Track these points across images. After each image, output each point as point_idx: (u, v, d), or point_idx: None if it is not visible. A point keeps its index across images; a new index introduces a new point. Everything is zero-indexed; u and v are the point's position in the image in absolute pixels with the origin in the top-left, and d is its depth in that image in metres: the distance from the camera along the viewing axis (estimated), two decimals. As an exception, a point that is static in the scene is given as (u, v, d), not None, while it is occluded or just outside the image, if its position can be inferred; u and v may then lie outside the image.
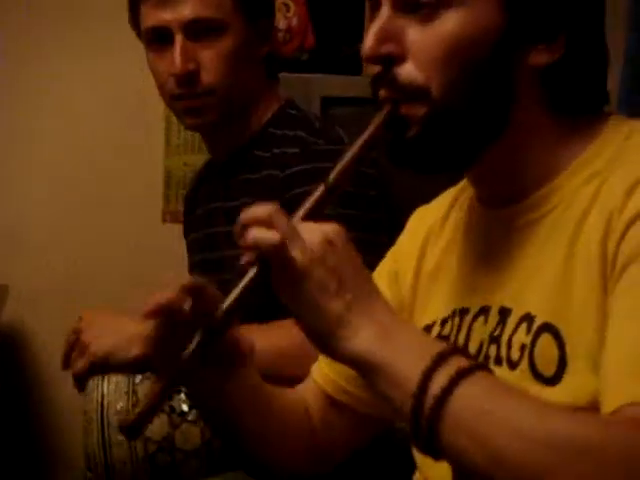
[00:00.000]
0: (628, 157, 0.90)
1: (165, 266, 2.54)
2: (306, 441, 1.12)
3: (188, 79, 1.52)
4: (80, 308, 1.55)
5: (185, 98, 1.54)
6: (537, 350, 0.89)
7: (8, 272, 2.55)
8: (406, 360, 0.80)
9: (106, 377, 1.41)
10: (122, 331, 1.39)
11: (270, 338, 1.37)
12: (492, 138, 0.94)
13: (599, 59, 0.97)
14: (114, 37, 2.55)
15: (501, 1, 0.91)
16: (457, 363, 0.78)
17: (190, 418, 1.40)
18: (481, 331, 0.96)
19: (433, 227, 1.12)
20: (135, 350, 1.38)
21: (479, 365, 0.80)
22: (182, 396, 1.41)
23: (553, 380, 0.87)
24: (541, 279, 0.91)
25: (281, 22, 2.28)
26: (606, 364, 0.80)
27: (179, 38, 1.52)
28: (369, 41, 0.92)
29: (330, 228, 0.84)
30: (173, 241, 2.52)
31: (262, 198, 1.44)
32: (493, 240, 1.00)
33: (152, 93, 1.60)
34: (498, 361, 0.93)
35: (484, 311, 0.98)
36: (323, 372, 1.14)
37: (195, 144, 2.58)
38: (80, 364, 1.42)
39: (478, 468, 0.76)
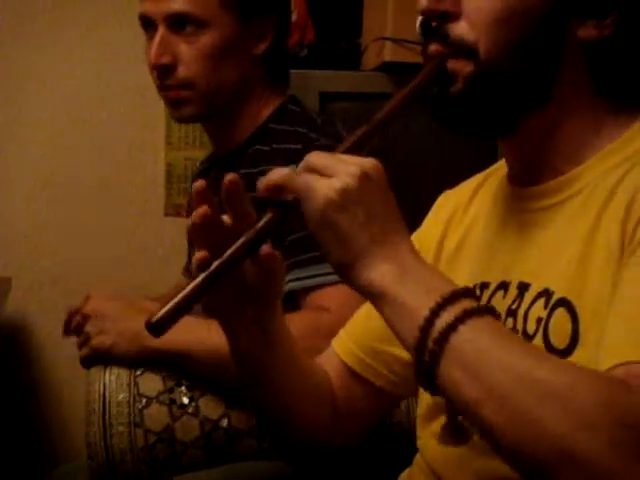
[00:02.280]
0: None
1: (167, 259, 2.57)
2: (328, 409, 1.15)
3: (164, 71, 1.54)
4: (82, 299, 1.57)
5: (164, 89, 1.57)
6: (552, 323, 0.92)
7: (11, 264, 2.56)
8: (418, 295, 0.83)
9: (108, 368, 1.42)
10: (125, 330, 1.41)
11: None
12: (532, 107, 0.97)
13: None
14: (114, 32, 2.58)
15: None
16: (466, 304, 0.81)
17: (190, 411, 1.41)
18: (500, 304, 0.98)
19: (457, 209, 1.15)
20: (135, 348, 1.40)
21: (488, 309, 0.82)
22: (183, 389, 1.42)
23: (565, 352, 0.89)
24: (563, 256, 0.94)
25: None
26: (607, 325, 0.83)
27: (160, 30, 1.54)
28: None
29: (369, 162, 0.86)
30: (174, 234, 2.55)
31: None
32: (518, 217, 1.02)
33: (152, 88, 1.62)
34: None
35: (504, 285, 1.00)
36: (344, 344, 1.17)
37: (196, 139, 2.59)
38: (83, 352, 1.45)
39: (468, 402, 0.78)
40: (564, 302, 0.91)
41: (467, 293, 0.83)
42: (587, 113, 0.98)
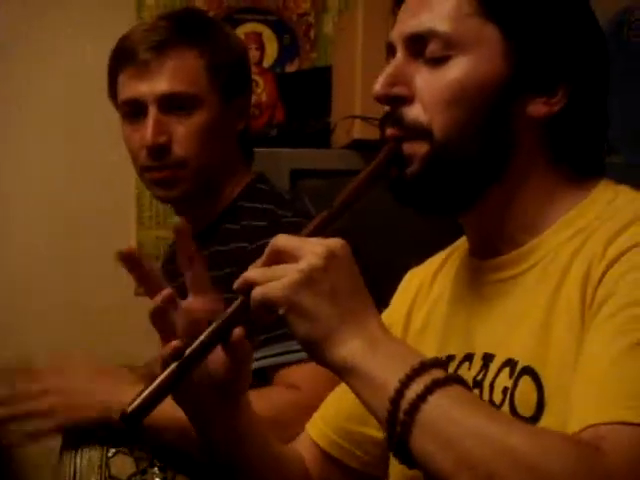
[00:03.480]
0: (610, 216, 0.94)
1: (138, 339, 2.54)
2: None
3: (159, 151, 1.55)
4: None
5: (156, 170, 1.57)
6: (517, 392, 0.92)
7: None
8: (388, 368, 0.84)
9: (79, 451, 1.40)
10: (91, 393, 1.39)
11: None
12: (489, 182, 0.99)
13: (599, 116, 1.01)
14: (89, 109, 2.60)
15: (504, 51, 0.96)
16: (435, 374, 0.82)
17: (163, 492, 1.39)
18: (465, 376, 0.98)
19: (423, 285, 1.16)
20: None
21: (456, 378, 0.83)
22: (156, 469, 1.40)
23: (532, 420, 0.90)
24: (524, 326, 0.95)
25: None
26: (573, 389, 0.84)
27: (153, 111, 1.54)
28: (382, 82, 0.98)
29: (334, 242, 0.88)
30: (145, 314, 2.53)
31: (231, 270, 1.47)
32: (480, 290, 1.03)
33: (123, 167, 1.62)
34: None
35: (468, 357, 1.01)
36: (318, 427, 1.18)
37: (167, 217, 2.59)
38: (47, 426, 1.40)
39: (444, 473, 0.79)
40: (528, 370, 0.92)
41: (436, 364, 0.83)
42: (542, 184, 1.00)
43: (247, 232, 1.53)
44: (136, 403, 0.84)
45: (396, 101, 0.98)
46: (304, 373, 1.40)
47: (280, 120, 2.33)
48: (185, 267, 0.97)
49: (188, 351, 0.87)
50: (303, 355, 1.38)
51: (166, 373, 0.86)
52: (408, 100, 0.97)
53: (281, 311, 0.86)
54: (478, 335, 1.01)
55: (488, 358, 0.98)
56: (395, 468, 1.06)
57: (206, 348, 0.89)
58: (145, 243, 2.62)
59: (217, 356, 0.96)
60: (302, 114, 2.32)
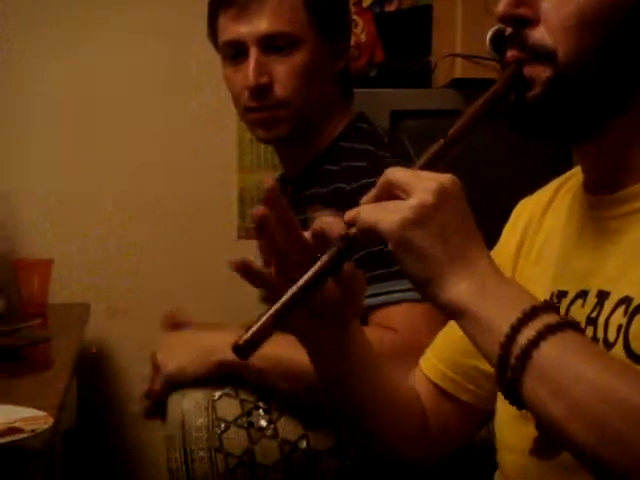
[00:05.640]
0: None
1: (240, 283, 2.58)
2: (417, 426, 1.14)
3: (261, 92, 1.55)
4: (158, 324, 1.59)
5: (258, 111, 1.58)
6: (632, 330, 0.90)
7: (89, 291, 2.60)
8: (498, 312, 0.82)
9: (186, 394, 1.43)
10: (194, 346, 1.42)
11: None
12: (612, 113, 0.95)
13: None
14: (191, 56, 2.61)
15: None
16: (547, 319, 0.80)
17: (269, 433, 1.41)
18: (579, 313, 0.97)
19: (533, 218, 1.13)
20: (207, 367, 1.40)
21: (569, 322, 0.81)
22: (261, 411, 1.42)
23: None
24: None
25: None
26: None
27: (254, 51, 1.55)
28: (506, 1, 0.95)
29: (446, 178, 0.86)
30: (248, 257, 2.56)
31: (332, 210, 1.46)
32: (596, 226, 1.00)
33: (225, 112, 1.63)
34: (595, 342, 0.94)
35: (582, 294, 0.99)
36: (430, 362, 1.17)
37: (268, 161, 2.60)
38: (156, 385, 1.46)
39: (554, 419, 0.78)
40: None
41: (548, 307, 0.82)
42: None
43: (347, 173, 1.53)
44: (250, 333, 0.84)
45: (520, 22, 0.94)
46: (401, 314, 1.40)
47: (380, 60, 2.31)
48: (279, 231, 0.95)
49: (301, 282, 0.88)
50: (400, 296, 1.40)
51: (279, 304, 0.87)
52: (532, 22, 0.94)
53: (390, 247, 0.85)
54: (593, 272, 0.98)
55: (603, 296, 0.95)
56: (504, 405, 1.05)
57: (318, 280, 0.89)
58: (246, 187, 2.64)
59: (329, 286, 0.95)
60: (402, 54, 2.30)
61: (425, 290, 0.86)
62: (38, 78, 2.63)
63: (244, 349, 0.85)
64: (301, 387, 1.35)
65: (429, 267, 0.84)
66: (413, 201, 0.83)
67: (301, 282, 0.88)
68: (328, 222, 0.91)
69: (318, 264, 0.89)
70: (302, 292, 0.88)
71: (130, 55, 2.67)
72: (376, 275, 1.41)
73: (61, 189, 2.66)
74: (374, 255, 1.33)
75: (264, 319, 0.86)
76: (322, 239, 0.91)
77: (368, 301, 1.42)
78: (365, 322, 1.45)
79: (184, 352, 1.44)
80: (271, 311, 0.86)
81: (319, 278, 0.89)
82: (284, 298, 0.87)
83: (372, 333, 1.40)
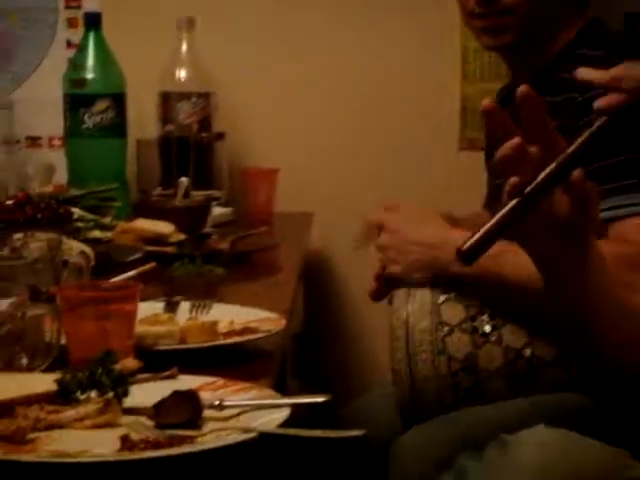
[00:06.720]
0: None
1: (461, 194, 2.56)
2: None
3: None
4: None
5: (483, 17, 1.55)
6: None
7: (314, 200, 2.66)
8: None
9: (411, 296, 1.44)
10: (422, 252, 1.43)
11: None
12: None
13: None
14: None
15: None
16: None
17: (493, 339, 1.41)
18: None
19: None
20: (434, 272, 1.41)
21: None
22: (485, 317, 1.42)
23: None
24: None
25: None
26: None
27: None
28: None
29: None
30: (469, 169, 2.54)
31: (561, 122, 1.42)
32: None
33: (446, 21, 1.61)
34: None
35: None
36: None
37: (492, 70, 2.56)
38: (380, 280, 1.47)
39: None
40: None
41: None
42: None
43: (579, 81, 1.47)
44: (474, 239, 0.84)
45: None
46: (634, 227, 1.35)
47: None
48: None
49: (528, 189, 0.86)
50: (634, 210, 1.35)
51: (505, 210, 0.86)
52: None
53: None
54: None
55: None
56: None
57: (546, 186, 0.87)
58: (470, 97, 2.61)
59: (560, 197, 0.93)
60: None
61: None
62: None
63: (467, 255, 0.84)
64: (524, 306, 1.34)
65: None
66: None
67: (528, 189, 0.87)
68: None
69: (549, 167, 0.87)
70: (527, 199, 0.86)
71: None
72: (610, 188, 1.37)
73: (287, 105, 2.71)
74: (606, 168, 1.29)
75: (489, 225, 0.85)
76: None
77: (603, 214, 1.38)
78: (599, 237, 1.41)
79: (412, 255, 1.44)
80: (496, 217, 0.86)
81: (545, 186, 0.87)
82: (509, 205, 0.86)
83: (607, 247, 1.37)
